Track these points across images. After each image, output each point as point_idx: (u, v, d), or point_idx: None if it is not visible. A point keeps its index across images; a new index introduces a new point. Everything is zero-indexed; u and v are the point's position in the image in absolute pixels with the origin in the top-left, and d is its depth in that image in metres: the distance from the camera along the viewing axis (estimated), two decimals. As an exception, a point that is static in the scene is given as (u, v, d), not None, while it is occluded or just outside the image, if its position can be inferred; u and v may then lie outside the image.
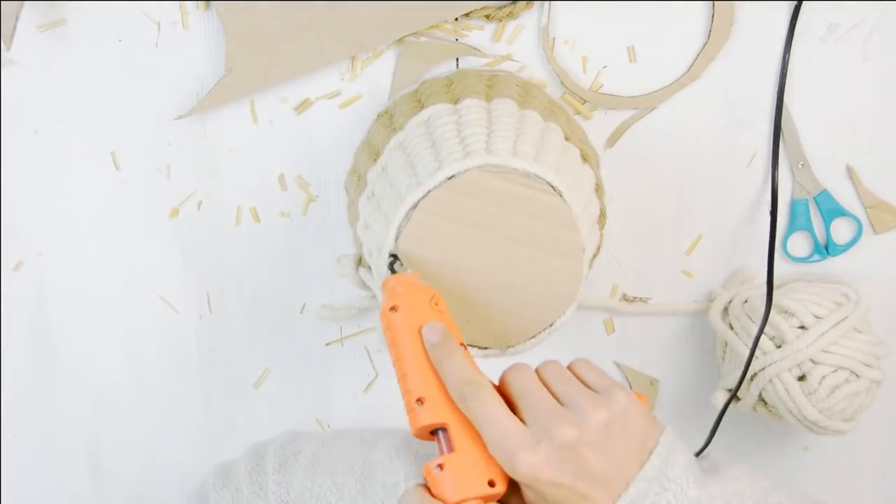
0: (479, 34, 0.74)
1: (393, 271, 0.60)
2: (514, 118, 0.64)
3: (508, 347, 0.64)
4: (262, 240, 0.77)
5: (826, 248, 0.78)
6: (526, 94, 0.69)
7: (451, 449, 0.52)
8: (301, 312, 0.78)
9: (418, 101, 0.70)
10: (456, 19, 0.73)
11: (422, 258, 0.61)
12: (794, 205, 0.77)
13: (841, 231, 0.78)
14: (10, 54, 0.73)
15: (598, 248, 0.71)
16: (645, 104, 0.75)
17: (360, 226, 0.68)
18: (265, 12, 0.71)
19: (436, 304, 0.56)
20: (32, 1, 0.72)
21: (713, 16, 0.74)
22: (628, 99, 0.75)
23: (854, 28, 0.75)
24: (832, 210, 0.77)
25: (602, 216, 0.70)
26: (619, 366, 0.80)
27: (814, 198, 0.77)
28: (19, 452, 0.80)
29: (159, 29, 0.73)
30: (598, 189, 0.69)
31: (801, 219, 0.77)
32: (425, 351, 0.54)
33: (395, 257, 0.60)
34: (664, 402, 0.81)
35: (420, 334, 0.54)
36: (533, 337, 0.63)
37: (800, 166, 0.76)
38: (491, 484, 0.51)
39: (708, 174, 0.77)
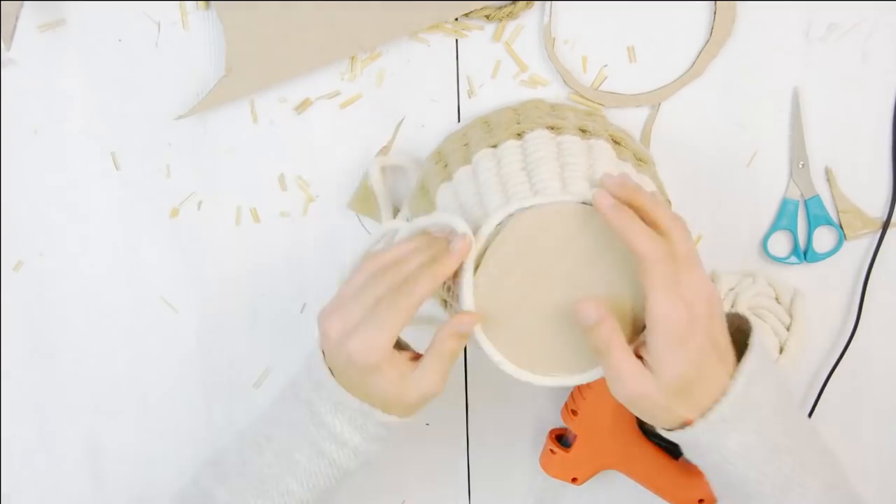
0: (479, 34, 0.74)
1: None
2: (552, 149, 0.65)
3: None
4: (262, 240, 0.77)
5: (805, 254, 0.78)
6: (557, 116, 0.69)
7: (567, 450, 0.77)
8: (301, 312, 0.78)
9: (466, 144, 0.70)
10: (456, 19, 0.73)
11: (500, 294, 0.61)
12: (784, 203, 0.77)
13: (822, 239, 0.78)
14: (10, 54, 0.73)
15: (659, 188, 0.70)
16: (647, 102, 0.75)
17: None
18: (265, 12, 0.71)
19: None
20: (32, 1, 0.72)
21: (715, 14, 0.74)
22: (630, 97, 0.75)
23: (854, 28, 0.75)
24: (819, 217, 0.77)
25: (617, 140, 0.70)
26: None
27: (805, 201, 0.77)
28: (19, 452, 0.80)
29: (159, 29, 0.73)
30: (588, 131, 0.69)
31: (787, 219, 0.77)
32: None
33: None
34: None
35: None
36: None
37: (800, 166, 0.76)
38: (574, 480, 0.78)
39: (708, 174, 0.77)
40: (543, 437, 0.81)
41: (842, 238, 0.78)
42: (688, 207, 0.77)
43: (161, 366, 0.79)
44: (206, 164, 0.76)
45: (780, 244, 0.78)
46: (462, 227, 0.60)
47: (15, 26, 0.70)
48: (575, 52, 0.75)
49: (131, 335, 0.78)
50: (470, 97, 0.75)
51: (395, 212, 0.76)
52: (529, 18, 0.74)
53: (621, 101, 0.75)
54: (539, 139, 0.65)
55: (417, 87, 0.75)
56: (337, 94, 0.75)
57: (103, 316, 0.78)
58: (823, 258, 0.78)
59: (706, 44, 0.74)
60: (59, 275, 0.77)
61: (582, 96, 0.75)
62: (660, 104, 0.75)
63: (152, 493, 0.81)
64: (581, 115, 0.71)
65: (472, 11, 0.73)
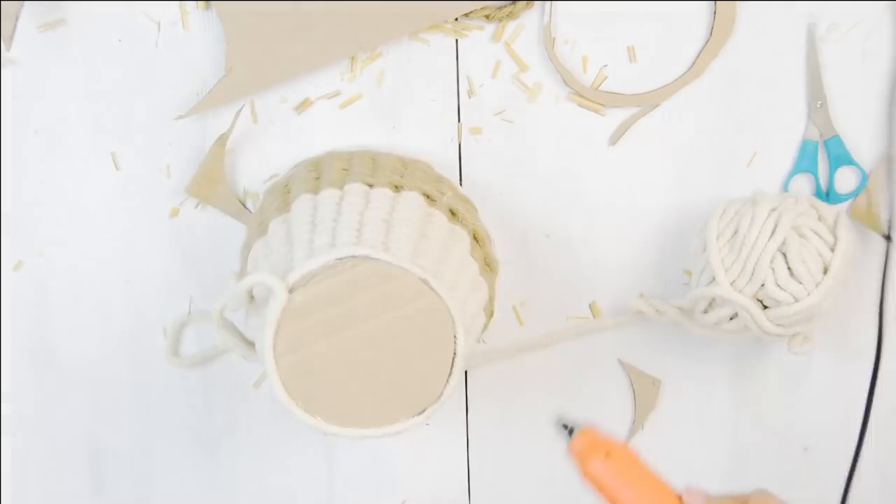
0: (480, 34, 0.74)
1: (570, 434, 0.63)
2: (333, 209, 0.64)
3: (395, 423, 0.62)
4: (262, 240, 0.77)
5: (827, 195, 0.76)
6: (377, 166, 0.69)
7: None
8: (301, 312, 0.78)
9: (287, 191, 0.70)
10: (456, 19, 0.73)
11: (306, 363, 0.60)
12: (803, 144, 0.76)
13: (844, 179, 0.77)
14: (10, 54, 0.73)
15: (490, 298, 0.70)
16: (647, 102, 0.75)
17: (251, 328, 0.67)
18: (265, 12, 0.71)
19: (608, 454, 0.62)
20: (32, 1, 0.72)
21: (715, 14, 0.74)
22: (631, 97, 0.75)
23: (854, 28, 0.75)
24: (840, 157, 0.75)
25: (477, 238, 0.69)
26: (623, 364, 0.80)
27: (825, 141, 0.76)
28: (19, 452, 0.80)
29: (159, 29, 0.73)
30: (457, 216, 0.69)
31: (807, 160, 0.76)
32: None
33: (567, 427, 0.63)
34: (664, 402, 0.81)
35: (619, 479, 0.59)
36: (420, 413, 0.62)
37: (818, 105, 0.75)
38: None
39: (708, 174, 0.77)
40: (543, 437, 0.81)
41: (864, 177, 0.76)
42: (688, 207, 0.77)
43: (161, 366, 0.79)
44: (206, 164, 0.76)
45: (801, 187, 0.77)
46: (277, 287, 0.59)
47: (15, 26, 0.70)
48: (575, 52, 0.75)
49: (131, 335, 0.78)
50: (470, 97, 0.75)
51: (238, 202, 0.75)
52: (529, 18, 0.74)
53: (621, 100, 0.75)
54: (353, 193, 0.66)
55: (417, 86, 0.75)
56: (337, 94, 0.75)
57: (103, 316, 0.78)
58: (846, 199, 0.76)
59: (706, 44, 0.74)
60: (59, 275, 0.77)
61: (582, 96, 0.75)
62: (652, 106, 0.75)
63: (152, 494, 0.81)
64: (391, 172, 0.71)
65: (472, 11, 0.73)
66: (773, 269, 0.69)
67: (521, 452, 0.82)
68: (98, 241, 0.77)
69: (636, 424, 0.80)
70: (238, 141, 0.75)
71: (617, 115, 0.76)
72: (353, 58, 0.74)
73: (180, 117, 0.74)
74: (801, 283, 0.69)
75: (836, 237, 0.70)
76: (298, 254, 0.61)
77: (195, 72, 0.74)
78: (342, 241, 0.61)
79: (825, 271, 0.70)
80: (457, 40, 0.74)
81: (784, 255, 0.69)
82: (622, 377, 0.80)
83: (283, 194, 0.69)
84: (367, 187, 0.66)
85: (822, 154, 0.76)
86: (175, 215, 0.76)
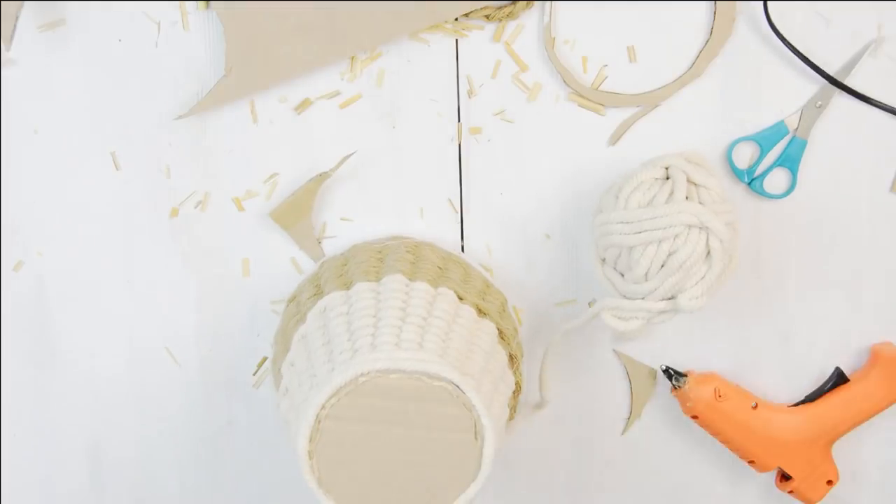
0: (480, 34, 0.74)
1: (674, 385, 0.77)
2: (400, 298, 0.65)
3: None
4: (261, 239, 0.77)
5: (751, 181, 0.76)
6: (417, 259, 0.70)
7: (790, 478, 0.78)
8: (301, 312, 0.78)
9: (318, 285, 0.71)
10: (456, 19, 0.74)
11: (337, 455, 0.61)
12: (792, 140, 0.76)
13: (775, 179, 0.77)
14: (10, 54, 0.73)
15: (518, 386, 0.71)
16: (647, 101, 0.75)
17: (283, 409, 0.68)
18: (265, 12, 0.71)
19: (719, 395, 0.77)
20: (32, 1, 0.72)
21: (715, 14, 0.74)
22: (631, 97, 0.75)
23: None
24: (790, 158, 0.75)
25: (513, 359, 0.70)
26: (618, 354, 0.79)
27: (793, 137, 0.75)
28: (19, 452, 0.80)
29: (159, 29, 0.73)
30: (503, 336, 0.70)
31: (770, 136, 0.76)
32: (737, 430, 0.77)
33: (668, 372, 0.77)
34: (661, 392, 0.81)
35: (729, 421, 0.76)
36: None
37: (817, 105, 0.75)
38: (829, 482, 0.79)
39: (708, 174, 0.77)
40: (542, 437, 0.81)
41: (792, 185, 0.76)
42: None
43: (161, 366, 0.79)
44: (206, 164, 0.76)
45: (778, 181, 0.77)
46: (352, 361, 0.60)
47: (15, 26, 0.70)
48: (575, 52, 0.75)
49: (131, 335, 0.78)
50: (470, 97, 0.75)
51: (315, 239, 0.76)
52: (529, 18, 0.74)
53: (621, 100, 0.75)
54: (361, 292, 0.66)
55: (417, 87, 0.75)
56: (337, 94, 0.75)
57: (103, 316, 0.78)
58: (767, 196, 0.76)
59: (706, 44, 0.74)
60: (59, 275, 0.77)
61: (582, 96, 0.75)
62: (652, 107, 0.76)
63: (152, 493, 0.81)
64: (478, 293, 0.71)
65: (472, 11, 0.73)
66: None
67: (522, 452, 0.82)
68: (98, 241, 0.77)
69: (633, 414, 0.80)
70: (238, 141, 0.75)
71: (617, 115, 0.76)
72: (353, 58, 0.74)
73: (180, 117, 0.74)
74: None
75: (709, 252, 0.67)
76: (385, 337, 0.62)
77: (195, 72, 0.74)
78: (430, 346, 0.62)
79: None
80: (457, 40, 0.74)
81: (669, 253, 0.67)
82: (618, 367, 0.80)
83: (375, 260, 0.70)
84: (457, 298, 0.67)
85: (781, 144, 0.76)
86: (175, 215, 0.77)
